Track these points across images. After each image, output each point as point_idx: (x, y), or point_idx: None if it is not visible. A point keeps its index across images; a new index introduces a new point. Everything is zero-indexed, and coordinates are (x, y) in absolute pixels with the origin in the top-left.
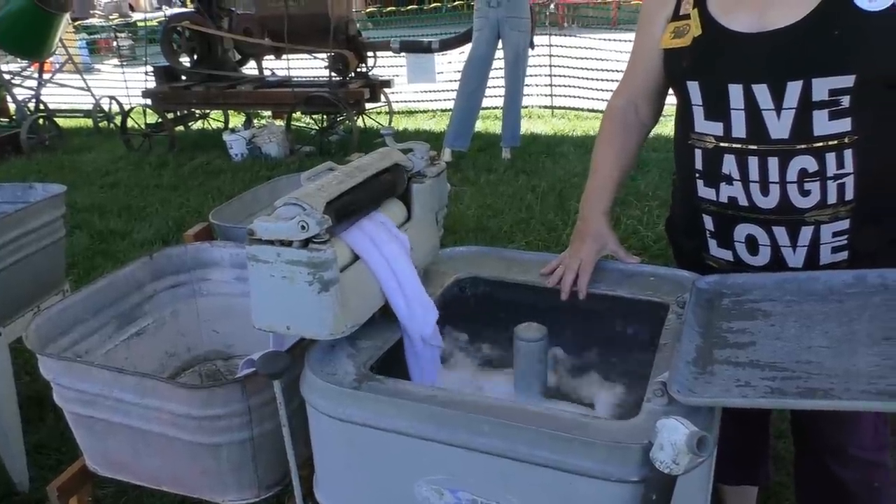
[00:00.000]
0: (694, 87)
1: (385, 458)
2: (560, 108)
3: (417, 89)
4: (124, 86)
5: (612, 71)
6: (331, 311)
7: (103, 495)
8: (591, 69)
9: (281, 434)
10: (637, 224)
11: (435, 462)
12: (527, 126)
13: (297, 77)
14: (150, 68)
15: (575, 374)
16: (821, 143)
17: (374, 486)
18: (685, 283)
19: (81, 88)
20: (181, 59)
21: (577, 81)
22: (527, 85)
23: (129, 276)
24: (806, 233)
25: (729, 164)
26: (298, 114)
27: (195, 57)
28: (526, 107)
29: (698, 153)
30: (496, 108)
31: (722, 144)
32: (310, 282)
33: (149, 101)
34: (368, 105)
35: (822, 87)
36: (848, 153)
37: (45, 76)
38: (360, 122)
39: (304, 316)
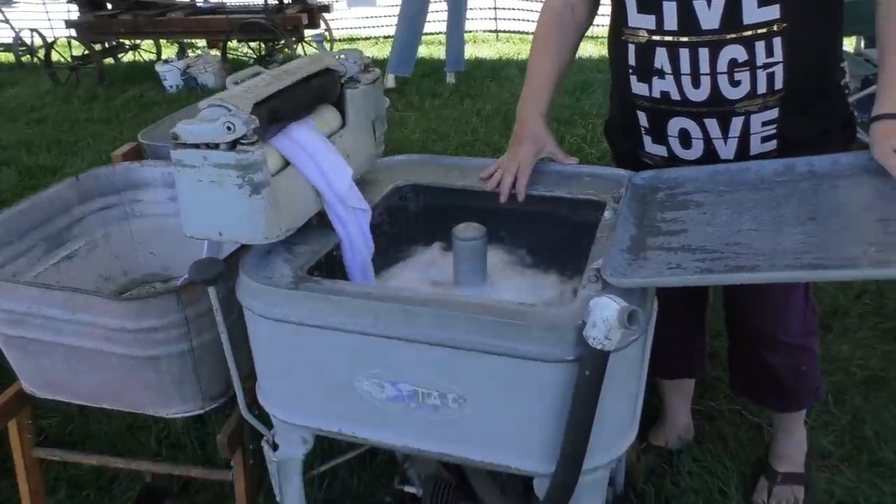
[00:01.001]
0: None
1: (324, 356)
2: (505, 31)
3: (358, 15)
4: (46, 17)
5: None
6: (263, 215)
7: (48, 425)
8: None
9: (223, 345)
10: (581, 142)
11: (374, 356)
12: (471, 51)
13: (232, 3)
14: None
15: (513, 275)
16: (750, 32)
17: (316, 386)
18: (622, 180)
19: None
20: None
21: (522, 3)
22: (470, 9)
23: (55, 198)
24: (736, 124)
25: (661, 58)
26: (235, 42)
27: None
28: (470, 31)
29: (631, 48)
30: (440, 33)
31: (654, 38)
32: (239, 185)
33: (73, 32)
34: (307, 32)
35: None
36: (777, 41)
37: None
38: (299, 50)
39: (236, 220)
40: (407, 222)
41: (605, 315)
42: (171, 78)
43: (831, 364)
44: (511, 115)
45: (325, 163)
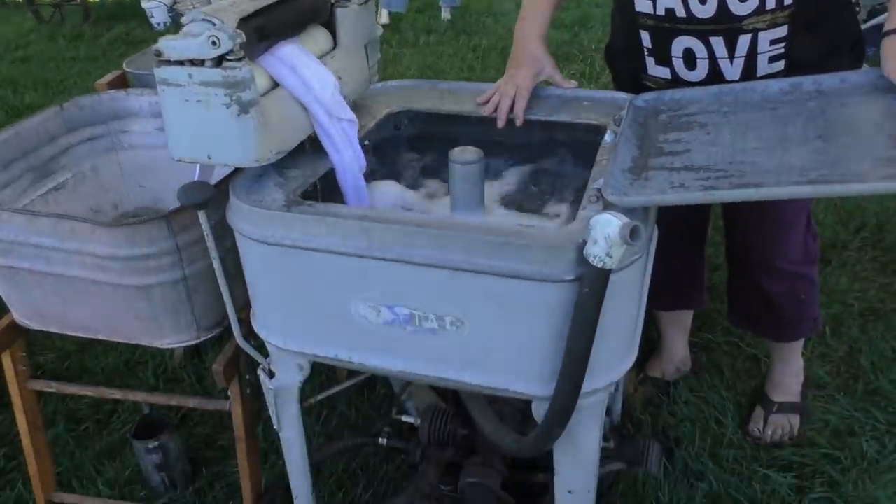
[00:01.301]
0: None
1: (319, 280)
2: None
3: None
4: None
5: None
6: (252, 135)
7: (44, 361)
8: None
9: (216, 273)
10: (580, 78)
11: (370, 279)
12: None
13: None
14: None
15: (511, 201)
16: None
17: (311, 311)
18: (622, 104)
19: None
20: None
21: None
22: None
23: (39, 127)
24: (743, 42)
25: None
26: None
27: None
28: None
29: None
30: None
31: None
32: (227, 104)
33: None
34: None
35: None
36: None
37: None
38: None
39: (225, 142)
40: (401, 148)
41: (606, 231)
42: (157, 15)
43: (829, 296)
44: (508, 51)
45: (306, 70)
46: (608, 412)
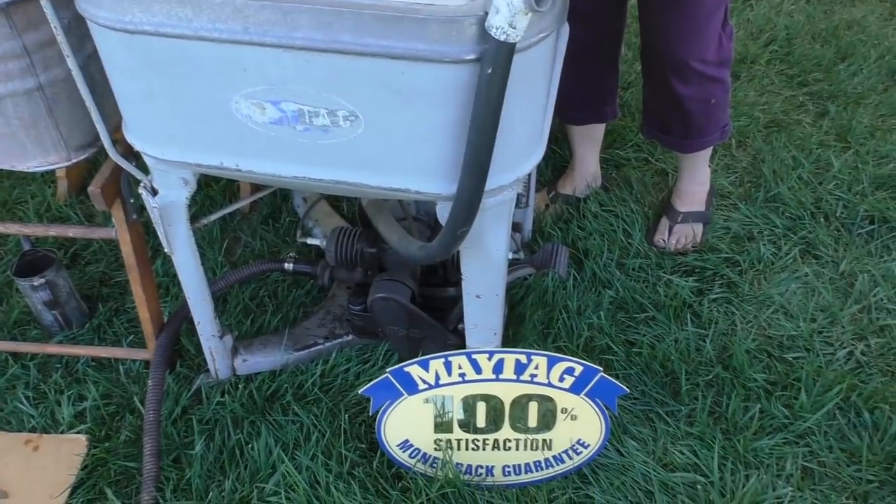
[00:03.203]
0: None
1: (192, 75)
2: None
3: None
4: None
5: None
6: None
7: None
8: None
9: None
10: None
11: (249, 71)
12: None
13: None
14: None
15: None
16: None
17: (187, 113)
18: None
19: None
20: None
21: None
22: None
23: None
24: None
25: None
26: None
27: None
28: None
29: None
30: None
31: None
32: None
33: None
34: None
35: None
36: None
37: None
38: None
39: None
40: None
41: None
42: None
43: (737, 109)
44: None
45: None
46: (518, 229)
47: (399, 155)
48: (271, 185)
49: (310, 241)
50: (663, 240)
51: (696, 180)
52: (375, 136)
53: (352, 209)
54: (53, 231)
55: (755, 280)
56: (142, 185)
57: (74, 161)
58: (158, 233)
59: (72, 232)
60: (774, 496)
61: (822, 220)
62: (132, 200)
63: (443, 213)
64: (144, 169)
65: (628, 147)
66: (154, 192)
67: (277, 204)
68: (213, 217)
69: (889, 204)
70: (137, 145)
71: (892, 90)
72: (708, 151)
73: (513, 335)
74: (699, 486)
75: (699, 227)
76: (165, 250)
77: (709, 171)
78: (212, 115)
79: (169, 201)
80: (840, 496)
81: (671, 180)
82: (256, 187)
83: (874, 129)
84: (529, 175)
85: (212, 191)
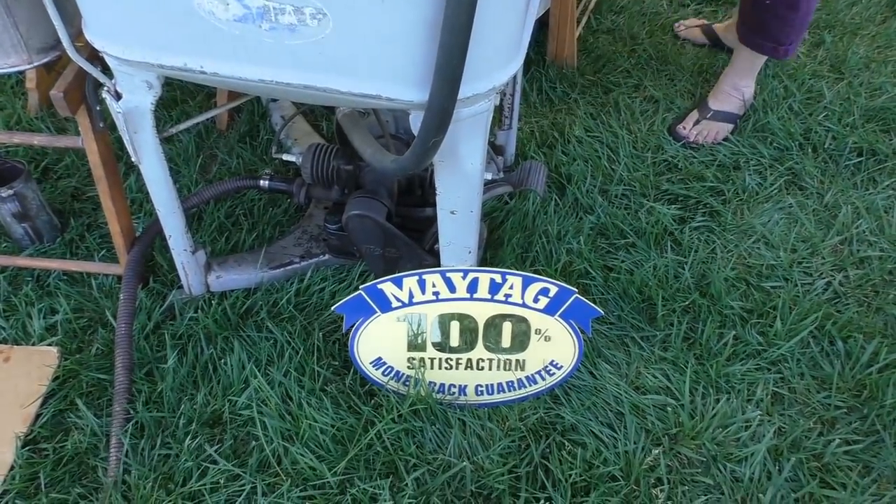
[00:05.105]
0: None
1: None
2: None
3: None
4: None
5: None
6: None
7: None
8: None
9: None
10: None
11: None
12: None
13: None
14: None
15: None
16: None
17: (148, 9)
18: None
19: None
20: None
21: None
22: None
23: None
24: None
25: None
26: None
27: None
28: None
29: None
30: None
31: None
32: None
33: None
34: None
35: None
36: None
37: None
38: None
39: None
40: None
41: None
42: None
43: None
44: None
45: None
46: (501, 152)
47: (369, 57)
48: (238, 89)
49: (285, 157)
50: (685, 128)
51: (736, 85)
52: (344, 37)
53: (331, 129)
54: (17, 139)
55: (738, 210)
56: (105, 89)
57: (36, 64)
58: (124, 140)
59: (37, 140)
60: (743, 419)
61: (809, 151)
62: (98, 108)
63: (416, 124)
64: (109, 74)
65: (618, 72)
66: (118, 97)
67: (255, 122)
68: (182, 126)
69: (879, 136)
70: (97, 44)
71: (890, 21)
72: (758, 60)
73: (491, 258)
74: (669, 409)
75: (726, 127)
76: (133, 160)
77: (753, 84)
78: (174, 12)
79: (133, 106)
80: (808, 420)
81: (662, 109)
82: (231, 97)
83: (869, 61)
84: (513, 95)
85: (188, 107)
